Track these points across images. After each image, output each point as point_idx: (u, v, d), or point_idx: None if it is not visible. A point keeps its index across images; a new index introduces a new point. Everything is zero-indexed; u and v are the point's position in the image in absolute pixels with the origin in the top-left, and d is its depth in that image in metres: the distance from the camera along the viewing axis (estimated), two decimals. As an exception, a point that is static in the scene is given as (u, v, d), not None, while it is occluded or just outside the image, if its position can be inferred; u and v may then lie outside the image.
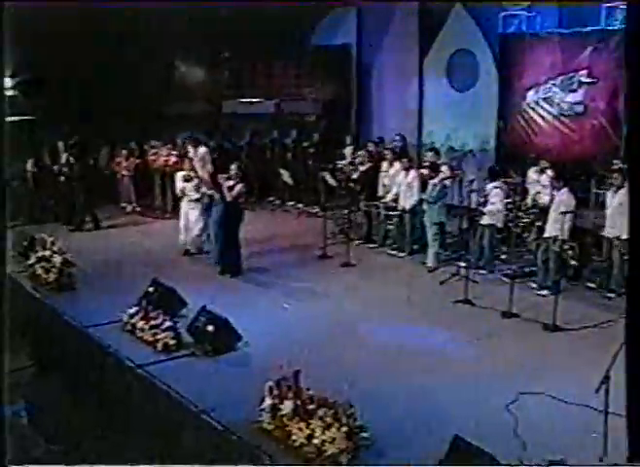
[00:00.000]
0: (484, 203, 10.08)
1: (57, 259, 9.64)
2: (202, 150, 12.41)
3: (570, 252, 9.41)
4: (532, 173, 10.86)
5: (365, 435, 5.63)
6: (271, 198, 15.10)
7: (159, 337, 7.70)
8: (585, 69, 11.72)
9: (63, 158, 13.13)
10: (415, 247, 11.17)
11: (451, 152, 13.74)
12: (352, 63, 16.00)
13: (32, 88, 13.25)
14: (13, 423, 6.02)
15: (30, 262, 9.91)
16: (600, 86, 11.57)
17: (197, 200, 11.14)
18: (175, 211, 12.28)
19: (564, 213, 8.78)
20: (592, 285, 9.54)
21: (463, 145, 13.80)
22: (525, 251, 10.45)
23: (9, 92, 12.47)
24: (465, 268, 9.62)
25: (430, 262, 10.57)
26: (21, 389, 7.60)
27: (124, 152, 14.26)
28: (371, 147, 12.96)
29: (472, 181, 10.99)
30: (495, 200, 10.02)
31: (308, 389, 5.91)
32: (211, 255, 10.76)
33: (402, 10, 14.66)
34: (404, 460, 5.41)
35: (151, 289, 8.57)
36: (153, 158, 13.97)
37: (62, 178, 13.07)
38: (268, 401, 5.97)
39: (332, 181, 12.59)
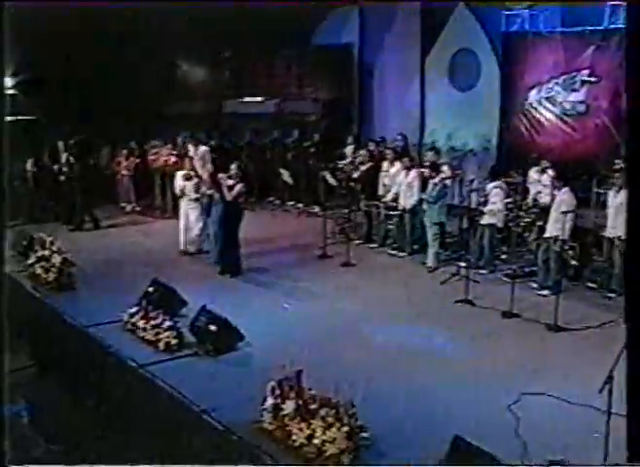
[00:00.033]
0: (485, 203, 10.07)
1: (57, 258, 9.63)
2: (203, 149, 12.41)
3: (571, 252, 9.40)
4: (533, 173, 10.83)
5: (365, 435, 5.62)
6: (271, 198, 15.09)
7: (160, 336, 7.70)
8: (587, 68, 11.69)
9: (63, 157, 13.12)
10: (416, 247, 11.16)
11: (453, 151, 13.72)
12: (354, 63, 16.00)
13: (32, 87, 13.24)
14: (13, 423, 6.01)
15: (30, 261, 9.89)
16: (603, 85, 11.54)
17: (197, 200, 11.13)
18: (175, 211, 12.27)
19: (565, 213, 8.76)
20: (593, 285, 9.53)
21: (464, 144, 13.78)
22: (526, 251, 10.43)
23: (9, 92, 12.49)
24: (465, 267, 9.60)
25: (430, 262, 10.55)
26: (22, 389, 7.58)
27: (125, 151, 14.26)
28: (371, 146, 12.94)
29: (472, 181, 10.97)
30: (496, 200, 10.01)
31: (310, 389, 5.90)
32: (211, 255, 10.75)
33: (404, 9, 14.64)
34: (405, 460, 5.39)
35: (151, 289, 8.56)
36: (153, 157, 13.97)
37: (62, 178, 13.07)
38: (270, 401, 5.96)
39: (332, 181, 12.56)
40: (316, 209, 13.66)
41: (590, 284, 9.56)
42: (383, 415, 6.01)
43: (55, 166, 13.25)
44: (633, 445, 4.78)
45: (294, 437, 5.70)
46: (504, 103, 13.07)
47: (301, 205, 14.55)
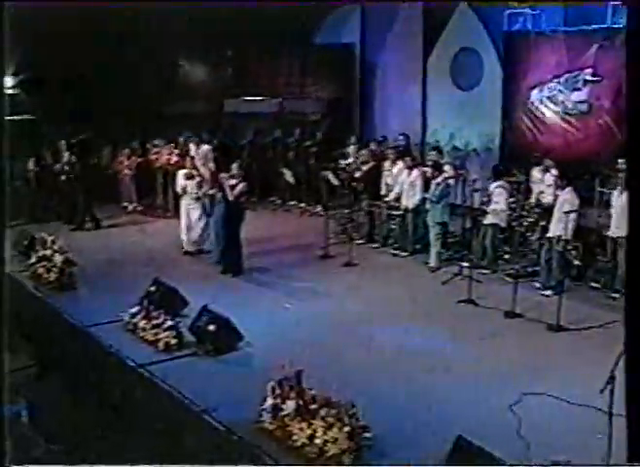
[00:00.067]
0: (488, 203, 10.03)
1: (58, 258, 9.62)
2: (205, 148, 12.39)
3: (574, 252, 9.37)
4: (536, 172, 10.81)
5: (367, 435, 5.59)
6: (273, 198, 15.04)
7: (160, 336, 7.69)
8: (590, 67, 11.63)
9: (65, 157, 13.11)
10: (418, 247, 11.12)
11: (455, 151, 13.67)
12: (356, 62, 15.98)
13: (33, 87, 13.23)
14: (13, 423, 5.99)
15: (31, 261, 9.89)
16: (605, 84, 11.48)
17: (198, 199, 11.10)
18: (177, 210, 12.25)
19: (568, 212, 8.74)
20: (596, 285, 9.49)
21: (467, 144, 13.74)
22: (529, 251, 10.38)
23: (11, 91, 12.48)
24: (468, 267, 9.57)
25: (432, 261, 10.51)
26: (22, 389, 7.56)
27: (126, 151, 14.23)
28: (373, 146, 12.90)
29: (475, 180, 10.94)
30: (498, 200, 9.97)
31: (311, 389, 5.87)
32: (212, 254, 10.73)
33: (405, 9, 14.60)
34: (408, 460, 5.37)
35: (152, 288, 8.55)
36: (155, 157, 13.96)
37: (64, 177, 13.05)
38: (270, 401, 5.94)
39: (334, 180, 12.54)
40: (318, 209, 13.61)
41: (594, 284, 9.52)
42: (384, 415, 5.96)
43: (57, 166, 13.24)
44: (633, 445, 4.75)
45: (294, 437, 5.68)
46: (506, 102, 13.03)
47: (302, 205, 14.51)
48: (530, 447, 5.58)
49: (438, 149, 12.33)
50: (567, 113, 12.16)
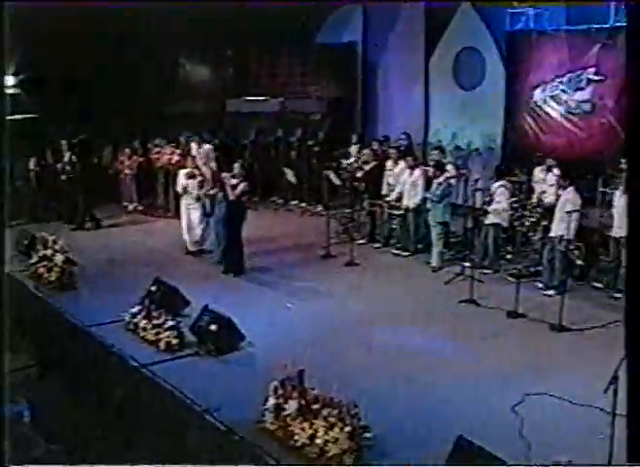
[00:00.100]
0: (490, 202, 10.00)
1: (59, 258, 9.61)
2: (206, 147, 12.38)
3: (576, 252, 9.33)
4: (538, 172, 10.77)
5: (368, 435, 5.57)
6: (275, 197, 15.02)
7: (161, 336, 7.67)
8: (593, 67, 11.61)
9: (66, 157, 13.10)
10: (419, 246, 11.10)
11: (457, 150, 13.64)
12: (358, 62, 15.94)
13: (33, 87, 13.23)
14: (13, 423, 5.98)
15: (32, 261, 9.87)
16: (608, 83, 11.45)
17: (198, 199, 11.08)
18: (178, 210, 12.23)
19: (570, 212, 8.71)
20: (599, 285, 9.46)
21: (469, 144, 13.70)
22: (531, 250, 10.37)
23: (12, 91, 12.48)
24: (470, 267, 9.54)
25: (434, 261, 10.48)
26: (23, 389, 7.55)
27: (127, 150, 14.23)
28: (375, 146, 12.88)
29: (477, 180, 10.90)
30: (500, 199, 9.94)
31: (313, 389, 5.85)
32: (214, 254, 10.72)
33: (407, 8, 14.58)
34: (409, 460, 5.35)
35: (153, 288, 8.53)
36: (156, 156, 13.95)
37: (64, 177, 13.04)
38: (272, 401, 5.92)
39: (336, 180, 12.51)
40: (320, 208, 13.60)
41: (596, 284, 9.49)
42: (384, 415, 5.94)
43: (58, 166, 13.23)
44: (633, 445, 4.73)
45: (296, 437, 5.66)
46: (509, 102, 13.00)
47: (304, 205, 14.49)
48: (531, 447, 5.57)
49: (440, 148, 12.30)
50: (570, 112, 12.13)
